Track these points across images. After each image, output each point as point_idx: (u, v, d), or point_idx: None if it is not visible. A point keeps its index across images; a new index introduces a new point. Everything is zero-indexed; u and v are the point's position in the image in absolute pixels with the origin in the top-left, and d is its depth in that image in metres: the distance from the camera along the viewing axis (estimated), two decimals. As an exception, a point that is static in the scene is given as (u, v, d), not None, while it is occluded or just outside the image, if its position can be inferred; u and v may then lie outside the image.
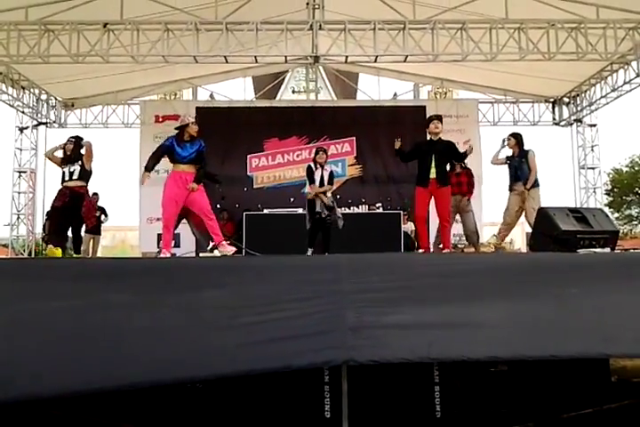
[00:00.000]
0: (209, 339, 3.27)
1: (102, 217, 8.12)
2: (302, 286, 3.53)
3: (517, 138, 7.28)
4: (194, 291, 3.49)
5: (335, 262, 3.90)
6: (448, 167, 7.44)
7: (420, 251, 7.22)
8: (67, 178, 6.70)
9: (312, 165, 7.39)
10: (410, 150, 6.60)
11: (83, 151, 6.83)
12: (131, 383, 3.11)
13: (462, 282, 3.65)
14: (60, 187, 6.77)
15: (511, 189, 7.21)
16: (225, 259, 4.73)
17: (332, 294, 3.48)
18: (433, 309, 3.48)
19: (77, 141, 6.86)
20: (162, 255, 6.01)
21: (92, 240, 9.62)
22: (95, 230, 8.55)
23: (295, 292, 3.48)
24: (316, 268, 3.75)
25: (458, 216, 8.06)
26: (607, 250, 5.14)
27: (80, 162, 6.74)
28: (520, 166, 7.11)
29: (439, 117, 6.49)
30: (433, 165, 6.29)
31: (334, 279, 3.59)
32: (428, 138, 6.51)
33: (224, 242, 6.13)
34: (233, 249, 6.21)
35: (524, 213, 7.19)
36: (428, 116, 6.61)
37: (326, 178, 7.30)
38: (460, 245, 10.95)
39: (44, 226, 11.45)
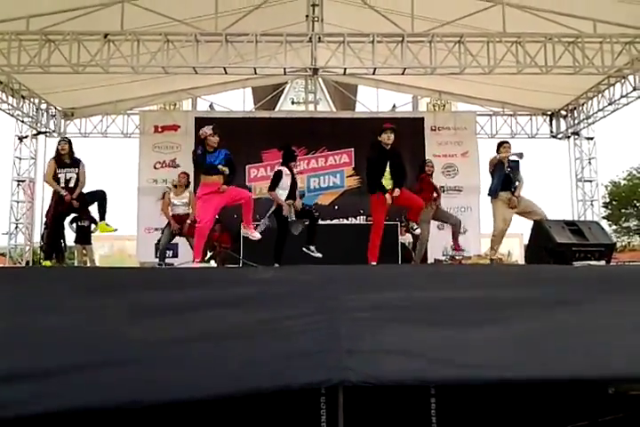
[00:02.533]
0: (208, 359, 3.24)
1: (92, 226, 8.08)
2: (299, 303, 3.49)
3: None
4: (192, 309, 3.45)
5: (333, 276, 3.85)
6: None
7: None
8: (62, 185, 6.72)
9: (282, 171, 6.94)
10: (373, 161, 6.58)
11: (77, 156, 6.90)
12: (130, 402, 3.08)
13: (460, 301, 3.62)
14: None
15: (496, 196, 7.11)
16: (222, 272, 4.65)
17: (329, 311, 3.44)
18: (430, 330, 3.44)
19: (70, 142, 6.94)
20: (194, 264, 5.99)
21: (83, 250, 9.56)
22: (85, 240, 8.53)
23: (292, 309, 3.44)
24: (314, 282, 3.70)
25: (434, 223, 8.12)
26: (602, 263, 5.15)
27: (77, 170, 6.77)
28: (515, 176, 7.10)
29: (392, 128, 6.49)
30: (388, 175, 6.40)
31: (332, 296, 3.55)
32: (382, 146, 6.51)
33: (252, 228, 6.32)
34: (258, 236, 6.35)
35: (527, 211, 7.09)
36: (383, 126, 6.56)
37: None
38: (457, 257, 10.95)
39: (42, 235, 11.44)
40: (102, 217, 6.91)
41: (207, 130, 6.20)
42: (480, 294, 3.74)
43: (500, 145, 7.28)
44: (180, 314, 3.41)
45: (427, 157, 8.63)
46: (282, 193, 6.80)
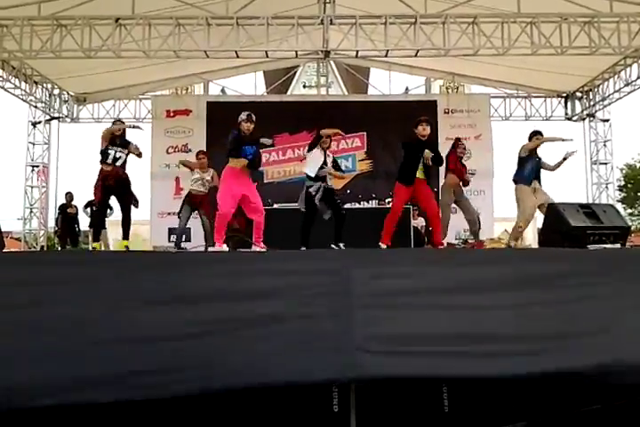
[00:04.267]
0: (216, 352, 3.22)
1: (107, 211, 8.13)
2: (310, 294, 3.40)
3: None
4: (198, 301, 3.41)
5: (346, 263, 3.74)
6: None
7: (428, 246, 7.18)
8: (110, 161, 6.85)
9: (319, 152, 6.90)
10: (406, 147, 6.61)
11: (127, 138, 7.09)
12: (135, 395, 3.07)
13: (477, 288, 3.54)
14: (104, 167, 6.88)
15: (529, 184, 7.07)
16: (229, 262, 4.40)
17: (341, 303, 3.36)
18: (444, 326, 3.38)
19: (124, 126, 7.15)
20: (217, 248, 5.99)
21: None
22: (100, 225, 8.59)
23: (303, 303, 3.36)
24: (326, 270, 3.60)
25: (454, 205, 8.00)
26: (617, 246, 5.11)
27: (127, 151, 6.93)
28: (540, 166, 7.11)
29: (428, 120, 6.51)
30: (420, 166, 6.42)
31: (344, 290, 3.46)
32: (418, 138, 6.50)
33: (260, 242, 6.14)
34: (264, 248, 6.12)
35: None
36: (418, 118, 6.54)
37: (330, 164, 6.90)
38: (470, 241, 10.90)
39: (56, 220, 11.52)
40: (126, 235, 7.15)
41: (242, 115, 6.22)
42: (497, 281, 3.68)
43: (534, 135, 7.20)
44: (188, 304, 3.38)
45: (457, 138, 8.33)
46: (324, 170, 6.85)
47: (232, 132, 6.18)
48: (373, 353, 3.23)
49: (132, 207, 7.27)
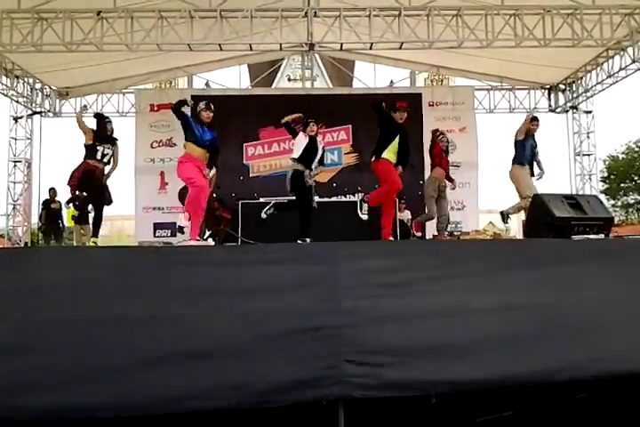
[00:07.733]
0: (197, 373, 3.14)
1: (90, 207, 8.07)
2: (294, 296, 3.34)
3: None
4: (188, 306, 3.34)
5: (332, 260, 3.71)
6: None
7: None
8: (98, 157, 6.90)
9: (302, 135, 6.77)
10: (388, 123, 6.58)
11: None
12: (131, 411, 3.01)
13: (468, 289, 3.51)
14: (91, 162, 6.90)
15: (525, 164, 7.04)
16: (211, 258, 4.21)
17: (329, 316, 3.26)
18: (433, 341, 3.34)
19: (111, 122, 7.18)
20: (192, 243, 5.86)
21: (81, 230, 9.52)
22: (83, 221, 8.54)
23: (290, 317, 3.24)
24: (312, 281, 3.45)
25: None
26: (601, 237, 5.16)
27: (114, 148, 7.01)
28: (535, 151, 7.12)
29: (407, 109, 6.60)
30: (393, 149, 6.42)
31: (331, 286, 3.41)
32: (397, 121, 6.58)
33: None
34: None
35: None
36: (399, 104, 6.65)
37: (320, 153, 6.79)
38: (456, 233, 10.98)
39: (40, 216, 11.43)
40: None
41: (201, 104, 6.17)
42: (482, 272, 3.67)
43: (533, 120, 7.22)
44: (178, 310, 3.30)
45: (435, 130, 8.26)
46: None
47: (182, 113, 6.04)
48: (362, 371, 3.18)
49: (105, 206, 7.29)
